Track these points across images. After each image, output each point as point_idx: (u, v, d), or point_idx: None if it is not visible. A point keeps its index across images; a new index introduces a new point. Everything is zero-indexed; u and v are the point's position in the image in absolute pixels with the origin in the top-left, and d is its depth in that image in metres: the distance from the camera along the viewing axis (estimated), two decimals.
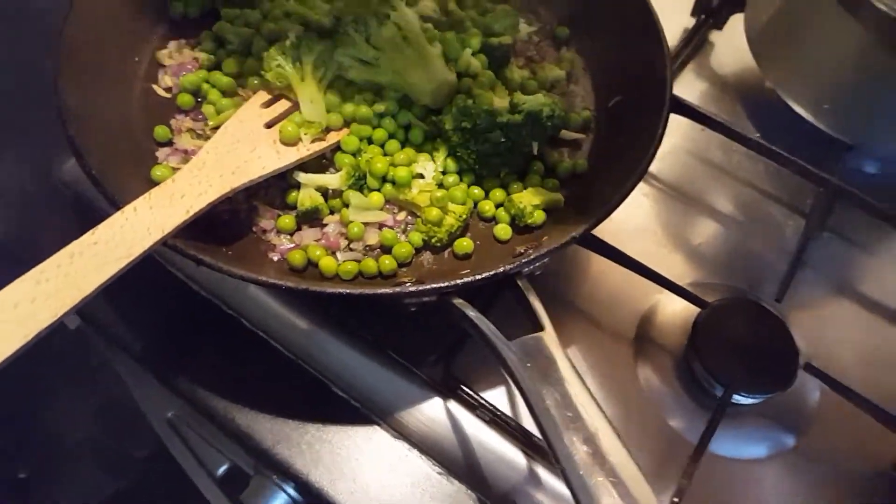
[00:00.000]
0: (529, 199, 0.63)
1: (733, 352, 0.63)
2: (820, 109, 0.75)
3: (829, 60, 0.72)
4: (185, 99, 0.67)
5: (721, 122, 0.75)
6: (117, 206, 0.53)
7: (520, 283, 0.53)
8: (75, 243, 0.49)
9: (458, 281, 0.52)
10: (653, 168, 0.79)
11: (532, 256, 0.54)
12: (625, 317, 0.69)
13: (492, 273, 0.53)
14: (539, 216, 0.63)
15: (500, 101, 0.65)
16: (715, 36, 0.94)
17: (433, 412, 0.63)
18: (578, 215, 0.63)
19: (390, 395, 0.63)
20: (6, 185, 0.73)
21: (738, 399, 0.62)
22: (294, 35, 0.64)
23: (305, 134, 0.62)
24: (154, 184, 0.60)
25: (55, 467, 1.53)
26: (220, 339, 0.66)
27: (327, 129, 0.64)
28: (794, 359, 0.63)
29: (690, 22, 0.93)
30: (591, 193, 0.66)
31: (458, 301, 0.51)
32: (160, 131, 0.65)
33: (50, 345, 0.47)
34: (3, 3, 0.85)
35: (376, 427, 0.63)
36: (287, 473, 0.61)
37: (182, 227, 0.53)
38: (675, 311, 0.69)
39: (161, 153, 0.64)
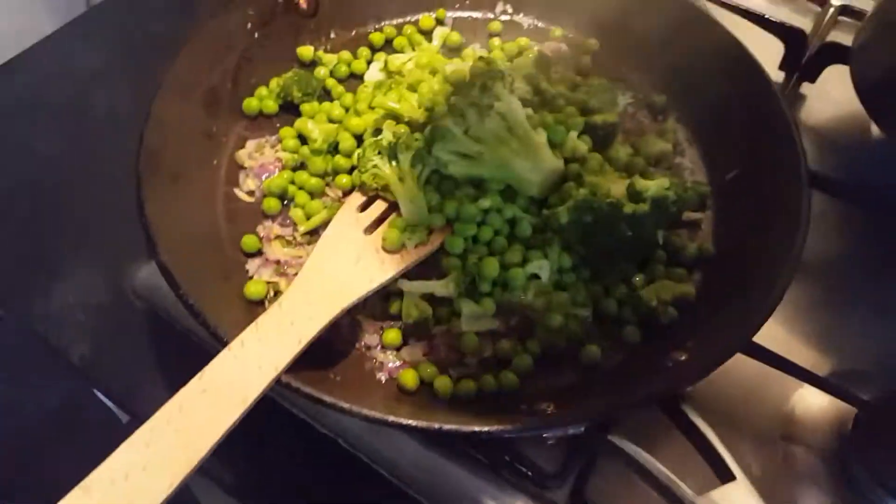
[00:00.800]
0: (658, 294, 0.57)
1: None
2: None
3: None
4: (272, 203, 0.63)
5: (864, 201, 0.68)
6: (222, 342, 0.48)
7: (685, 409, 0.47)
8: (182, 392, 0.43)
9: (611, 403, 0.45)
10: None
11: (695, 369, 0.47)
12: (765, 417, 0.62)
13: (652, 392, 0.46)
14: (672, 313, 0.57)
15: (616, 188, 0.59)
16: (807, 88, 0.88)
17: None
18: (717, 309, 0.57)
19: None
20: (76, 302, 0.68)
21: None
22: (391, 132, 0.59)
23: (409, 239, 0.56)
24: (248, 303, 0.56)
25: None
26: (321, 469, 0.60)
27: (429, 231, 0.59)
28: None
29: (780, 76, 0.87)
30: (724, 281, 0.60)
31: (616, 438, 0.45)
32: (248, 241, 0.60)
33: None
34: (66, 107, 0.82)
35: None
36: None
37: (295, 360, 0.47)
38: (821, 407, 0.61)
39: (251, 266, 0.60)
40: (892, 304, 0.69)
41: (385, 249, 0.56)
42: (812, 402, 0.62)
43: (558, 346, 0.55)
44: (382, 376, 0.55)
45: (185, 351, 0.61)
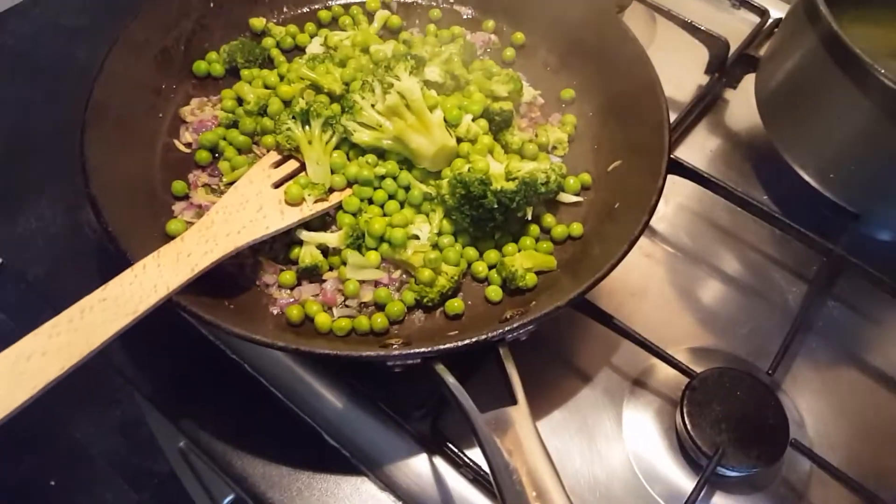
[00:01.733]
0: (521, 262, 0.65)
1: (721, 423, 0.63)
2: (826, 178, 0.75)
3: (836, 131, 0.72)
4: (203, 155, 0.72)
5: (723, 185, 0.76)
6: (129, 263, 0.57)
7: (501, 350, 0.55)
8: (86, 299, 0.53)
9: (440, 347, 0.54)
10: (657, 228, 0.81)
11: (515, 324, 0.56)
12: (616, 381, 0.70)
13: (473, 340, 0.55)
14: (531, 279, 0.65)
15: (498, 166, 0.67)
16: (729, 94, 0.95)
17: (419, 467, 0.64)
18: (571, 280, 0.65)
19: (379, 448, 0.66)
20: (37, 228, 0.78)
21: (724, 471, 0.62)
22: (304, 101, 0.67)
23: (309, 195, 0.65)
24: (168, 237, 0.65)
25: (81, 477, 1.60)
26: (224, 384, 0.70)
27: (331, 190, 0.67)
28: (784, 434, 0.63)
29: (705, 79, 0.94)
30: (585, 258, 0.68)
31: (439, 367, 0.54)
32: (178, 186, 0.69)
33: None
34: (48, 59, 0.92)
35: (364, 478, 0.65)
36: None
37: (186, 284, 0.56)
38: (667, 377, 0.70)
39: (177, 207, 0.69)
40: (763, 294, 0.77)
41: (287, 202, 0.65)
42: (660, 372, 0.71)
43: (430, 297, 0.63)
44: (274, 310, 0.64)
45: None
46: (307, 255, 0.65)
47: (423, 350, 0.54)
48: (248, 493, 0.66)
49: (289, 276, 0.65)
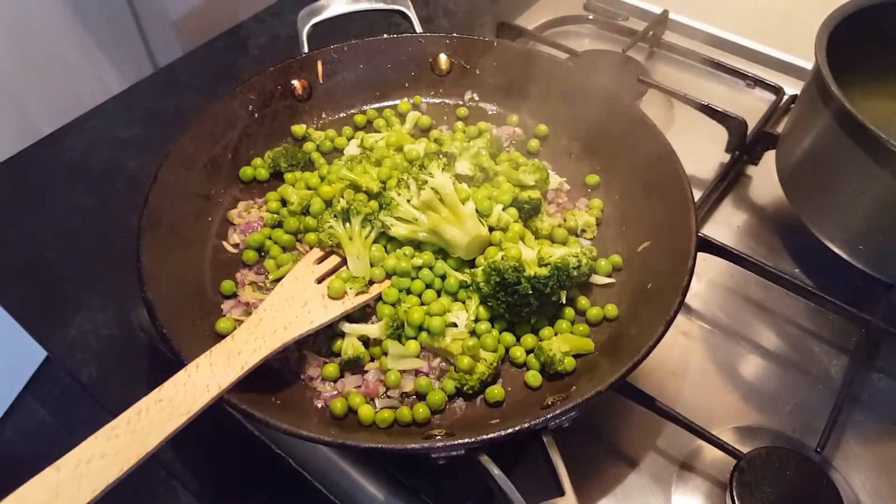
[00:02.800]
0: (559, 346, 0.67)
1: None
2: (855, 249, 0.75)
3: (859, 203, 0.73)
4: (250, 255, 0.76)
5: (754, 261, 0.77)
6: (182, 364, 0.60)
7: (544, 438, 0.56)
8: (143, 401, 0.55)
9: (484, 437, 0.55)
10: (692, 305, 0.82)
11: (558, 411, 0.56)
12: (663, 465, 0.70)
13: (517, 429, 0.55)
14: (569, 363, 0.66)
15: (530, 252, 0.69)
16: (752, 170, 0.98)
17: None
18: (610, 363, 0.66)
19: None
20: (90, 329, 0.82)
21: None
22: (345, 200, 0.72)
23: (350, 288, 0.68)
24: (218, 335, 0.68)
25: None
26: (269, 478, 0.71)
27: (371, 282, 0.70)
28: None
29: (726, 157, 0.97)
30: (623, 338, 0.69)
31: (484, 458, 0.54)
32: (226, 285, 0.73)
33: None
34: (101, 169, 0.99)
35: None
36: None
37: (237, 382, 0.59)
38: (714, 459, 0.69)
39: (226, 305, 0.72)
40: (804, 368, 0.76)
41: (330, 296, 0.68)
42: (707, 453, 0.70)
43: (470, 385, 0.65)
44: (319, 403, 0.66)
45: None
46: (349, 346, 0.67)
47: (467, 441, 0.55)
48: None
49: (332, 368, 0.67)
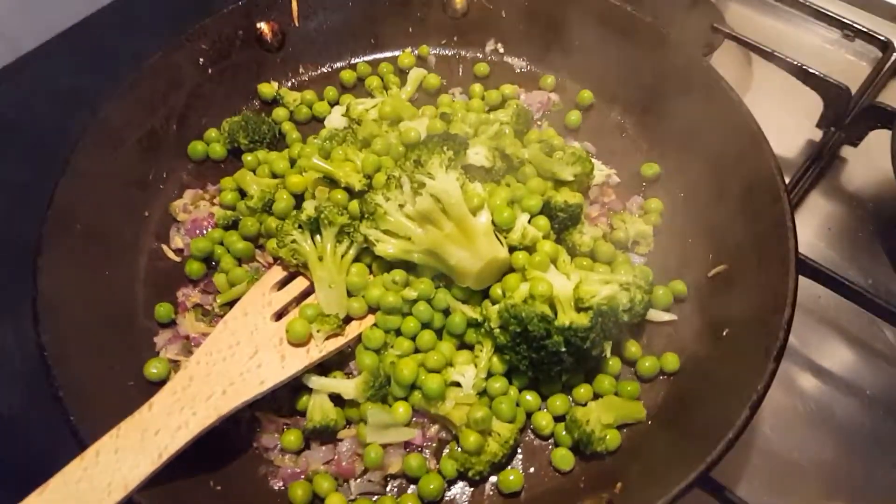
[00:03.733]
0: (599, 416, 0.49)
1: None
2: None
3: None
4: (194, 267, 0.58)
5: (868, 295, 0.58)
6: (81, 446, 0.43)
7: None
8: None
9: None
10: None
11: None
12: None
13: None
14: (612, 440, 0.49)
15: (564, 284, 0.50)
16: (848, 152, 0.76)
17: None
18: (671, 441, 0.48)
19: None
20: (2, 358, 0.64)
21: None
22: (313, 206, 0.53)
23: (318, 330, 0.50)
24: (146, 384, 0.51)
25: None
26: None
27: (347, 320, 0.52)
28: None
29: (816, 133, 0.76)
30: (687, 403, 0.51)
31: None
32: (161, 310, 0.56)
33: None
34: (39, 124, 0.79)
35: None
36: None
37: (151, 476, 0.42)
38: None
39: (160, 338, 0.55)
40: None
41: (289, 341, 0.50)
42: None
43: (477, 470, 0.48)
44: (276, 484, 0.49)
45: None
46: (317, 408, 0.50)
47: None
48: None
49: (294, 437, 0.50)
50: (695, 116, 0.62)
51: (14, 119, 0.82)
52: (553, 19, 0.69)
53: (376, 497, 0.48)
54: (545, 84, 0.70)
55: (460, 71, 0.72)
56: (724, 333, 0.52)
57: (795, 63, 0.72)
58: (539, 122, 0.68)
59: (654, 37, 0.64)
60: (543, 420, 0.50)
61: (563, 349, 0.47)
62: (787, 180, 0.69)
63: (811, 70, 0.71)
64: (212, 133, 0.66)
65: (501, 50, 0.73)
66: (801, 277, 0.58)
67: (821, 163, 0.73)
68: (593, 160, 0.62)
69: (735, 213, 0.57)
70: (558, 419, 0.51)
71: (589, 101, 0.68)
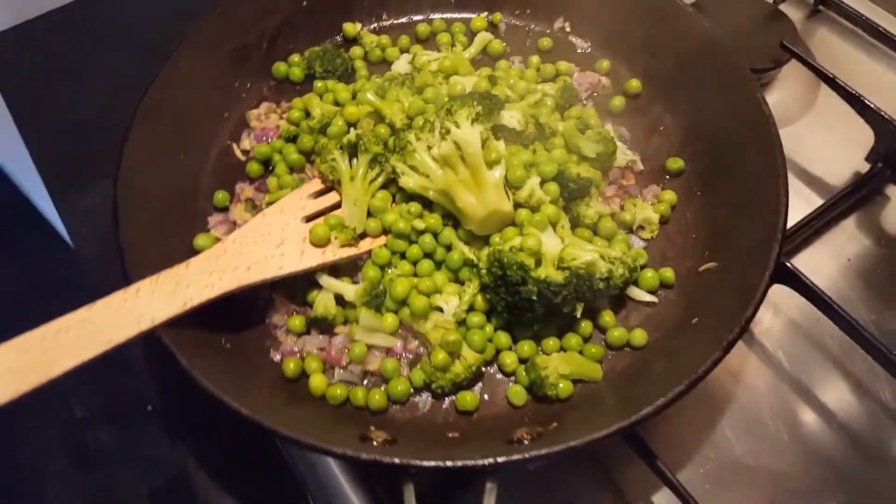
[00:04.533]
0: (557, 366, 0.55)
1: None
2: None
3: None
4: (254, 167, 0.67)
5: (842, 313, 0.61)
6: (128, 281, 0.53)
7: (487, 485, 0.46)
8: (68, 318, 0.50)
9: (414, 462, 0.46)
10: (762, 342, 0.66)
11: (512, 457, 0.46)
12: None
13: (458, 464, 0.46)
14: (565, 389, 0.55)
15: (555, 245, 0.56)
16: (893, 191, 0.76)
17: None
18: (616, 403, 0.54)
19: None
20: (92, 217, 0.77)
21: None
22: (355, 132, 0.61)
23: (336, 238, 0.58)
24: (193, 252, 0.61)
25: None
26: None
27: (363, 235, 0.60)
28: None
29: (865, 167, 0.76)
30: (643, 376, 0.56)
31: (407, 488, 0.45)
32: (220, 196, 0.66)
33: None
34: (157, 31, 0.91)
35: None
36: None
37: (175, 319, 0.52)
38: None
39: (213, 220, 0.65)
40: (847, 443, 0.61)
41: (311, 242, 0.59)
42: None
43: (440, 384, 0.55)
44: (276, 356, 0.58)
45: None
46: (321, 303, 0.58)
47: (396, 461, 0.46)
48: None
49: (298, 321, 0.59)
50: (730, 131, 0.65)
51: (130, 23, 0.94)
52: (623, 9, 0.73)
53: (352, 386, 0.57)
54: (600, 67, 0.74)
55: (526, 42, 0.77)
56: (694, 322, 0.57)
57: (853, 92, 0.73)
58: (584, 102, 0.72)
59: (712, 45, 0.67)
60: (509, 359, 0.57)
61: (535, 298, 0.53)
62: (819, 205, 0.72)
63: (867, 101, 0.72)
64: (295, 58, 0.75)
65: (568, 29, 0.77)
66: (793, 293, 0.63)
67: (858, 194, 0.74)
68: (620, 144, 0.66)
69: (739, 219, 0.60)
70: (523, 361, 0.57)
71: (636, 90, 0.72)
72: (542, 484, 0.59)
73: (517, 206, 0.59)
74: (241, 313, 0.60)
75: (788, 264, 0.63)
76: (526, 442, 0.50)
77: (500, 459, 0.46)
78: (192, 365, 0.50)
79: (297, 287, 0.61)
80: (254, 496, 0.64)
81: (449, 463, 0.46)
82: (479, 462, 0.46)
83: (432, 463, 0.46)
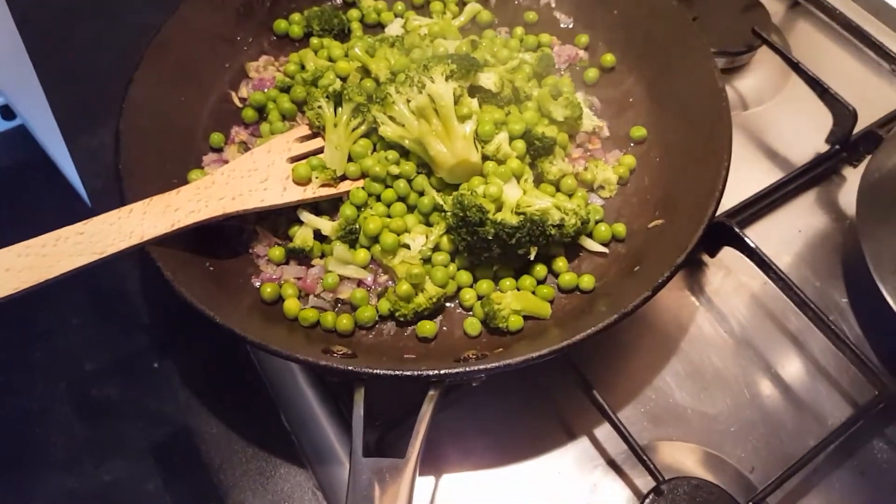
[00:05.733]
0: (510, 302, 0.61)
1: None
2: None
3: None
4: (249, 113, 0.73)
5: (779, 274, 0.66)
6: (123, 202, 0.59)
7: (430, 392, 0.52)
8: (66, 229, 0.56)
9: (365, 369, 0.51)
10: (713, 300, 0.72)
11: (449, 370, 0.52)
12: (592, 455, 0.64)
13: (400, 373, 0.51)
14: (515, 322, 0.60)
15: (515, 195, 0.62)
16: (850, 172, 0.81)
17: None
18: (559, 334, 0.59)
19: (326, 446, 0.64)
20: (100, 154, 0.83)
21: None
22: (340, 83, 0.66)
23: (316, 177, 0.64)
24: (185, 185, 0.67)
25: None
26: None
27: (343, 178, 0.66)
28: None
29: (825, 148, 0.81)
30: (586, 315, 0.61)
31: (357, 392, 0.51)
32: (215, 137, 0.71)
33: None
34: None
35: (304, 471, 0.64)
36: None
37: (162, 237, 0.58)
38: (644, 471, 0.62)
39: (207, 158, 0.70)
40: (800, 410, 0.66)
41: (293, 180, 0.64)
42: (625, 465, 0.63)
43: (403, 312, 0.61)
44: (257, 282, 0.64)
45: None
46: (301, 236, 0.64)
47: (349, 369, 0.52)
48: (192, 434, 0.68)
49: (278, 252, 0.64)
50: (689, 102, 0.70)
51: None
52: None
53: (323, 311, 0.62)
54: (579, 42, 0.79)
55: (513, 14, 0.82)
56: (636, 269, 0.62)
57: (814, 77, 0.78)
58: (561, 73, 0.77)
59: (685, 27, 0.72)
60: (468, 295, 0.62)
61: (491, 238, 0.59)
62: (779, 178, 0.77)
63: (826, 86, 0.77)
64: (295, 16, 0.80)
65: (553, 4, 0.82)
66: (744, 259, 0.68)
67: (813, 172, 0.79)
68: (588, 111, 0.72)
69: (688, 183, 0.66)
70: (480, 298, 0.63)
71: (611, 63, 0.77)
72: (493, 415, 0.65)
73: (485, 158, 0.64)
74: (227, 243, 0.65)
75: (735, 228, 0.68)
76: (471, 360, 0.55)
77: (443, 371, 0.51)
78: (175, 278, 0.56)
79: (280, 222, 0.66)
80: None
81: (398, 372, 0.52)
82: (424, 372, 0.51)
83: (382, 371, 0.51)
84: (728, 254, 0.72)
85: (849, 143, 0.78)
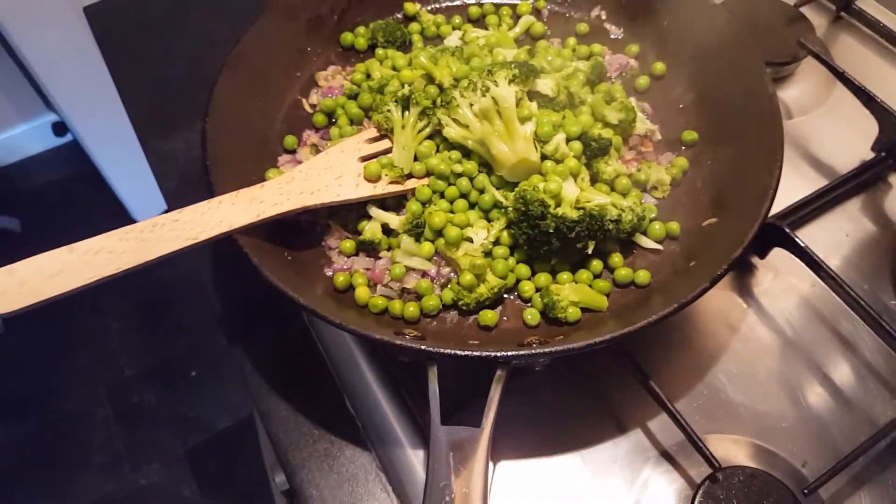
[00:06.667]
0: (568, 294, 0.64)
1: None
2: None
3: None
4: (320, 118, 0.78)
5: (831, 273, 0.68)
6: (212, 195, 0.64)
7: (498, 371, 0.55)
8: (162, 216, 0.61)
9: (437, 349, 0.55)
10: (761, 301, 0.74)
11: (521, 352, 0.55)
12: (645, 445, 0.66)
13: (471, 354, 0.55)
14: (573, 313, 0.63)
15: (573, 192, 0.65)
16: (895, 179, 0.83)
17: (415, 460, 0.66)
18: (615, 326, 0.62)
19: (388, 430, 0.68)
20: (182, 149, 0.90)
21: None
22: (408, 89, 0.71)
23: (386, 175, 0.68)
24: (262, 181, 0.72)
25: None
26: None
27: (409, 176, 0.70)
28: None
29: (871, 156, 0.83)
30: (641, 308, 0.64)
31: (431, 369, 0.55)
32: (289, 140, 0.76)
33: None
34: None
35: (367, 453, 0.68)
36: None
37: (249, 227, 0.62)
38: (699, 460, 0.64)
39: (282, 159, 0.75)
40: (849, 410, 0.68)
41: (364, 177, 0.69)
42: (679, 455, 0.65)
43: (465, 301, 0.64)
44: (328, 272, 0.68)
45: None
46: (370, 230, 0.68)
47: (422, 348, 0.55)
48: (262, 416, 0.72)
49: (349, 244, 0.69)
50: (739, 107, 0.72)
51: None
52: (651, 2, 0.82)
53: (391, 299, 0.66)
54: (629, 51, 0.83)
55: (565, 26, 0.87)
56: (691, 265, 0.65)
57: (860, 85, 0.80)
58: (613, 80, 0.81)
59: (732, 37, 0.75)
60: (527, 287, 0.66)
61: (552, 231, 0.62)
62: (824, 185, 0.79)
63: (872, 94, 0.79)
64: (360, 29, 0.85)
65: (603, 17, 0.86)
66: (793, 260, 0.70)
67: (860, 178, 0.81)
68: (640, 115, 0.75)
69: (740, 185, 0.68)
70: (538, 290, 0.66)
71: (661, 72, 0.80)
72: (546, 408, 0.68)
73: (544, 157, 0.68)
74: (302, 236, 0.70)
75: (786, 229, 0.71)
76: (534, 345, 0.58)
77: (510, 353, 0.55)
78: (262, 264, 0.60)
79: (350, 217, 0.71)
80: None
81: (468, 352, 0.55)
82: (493, 353, 0.55)
83: (454, 350, 0.55)
84: (776, 256, 0.74)
85: (895, 150, 0.80)
